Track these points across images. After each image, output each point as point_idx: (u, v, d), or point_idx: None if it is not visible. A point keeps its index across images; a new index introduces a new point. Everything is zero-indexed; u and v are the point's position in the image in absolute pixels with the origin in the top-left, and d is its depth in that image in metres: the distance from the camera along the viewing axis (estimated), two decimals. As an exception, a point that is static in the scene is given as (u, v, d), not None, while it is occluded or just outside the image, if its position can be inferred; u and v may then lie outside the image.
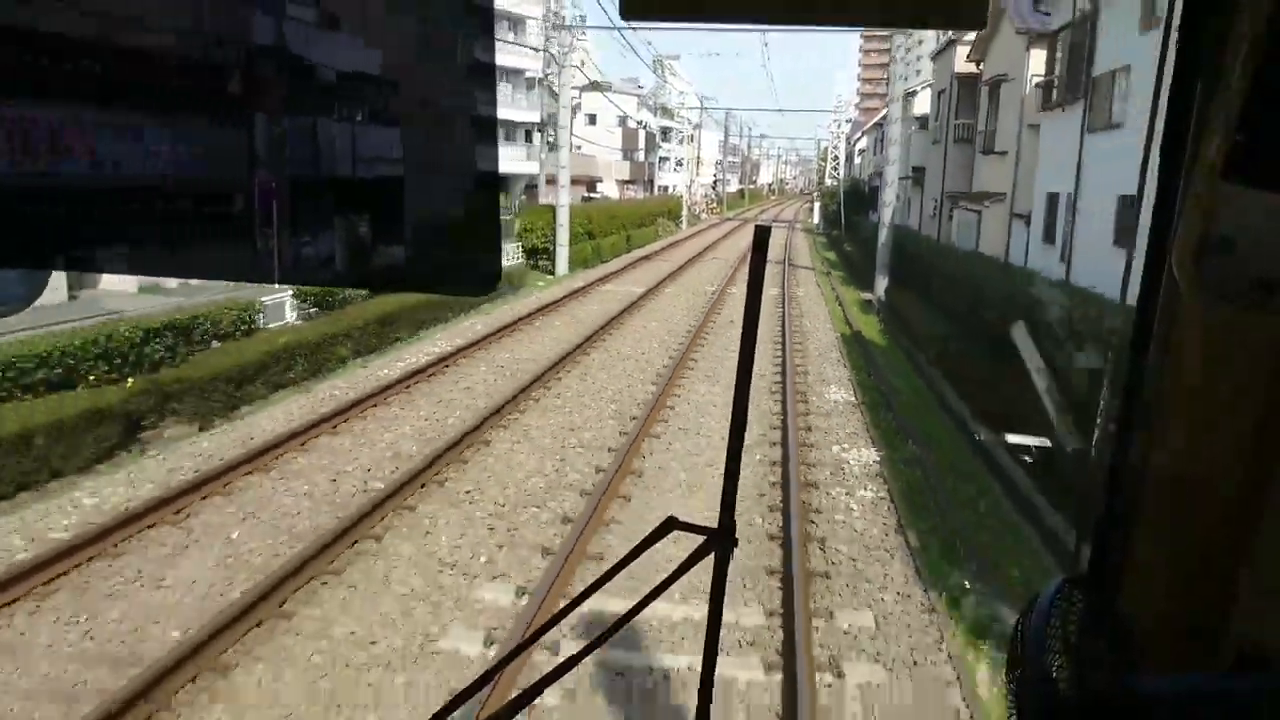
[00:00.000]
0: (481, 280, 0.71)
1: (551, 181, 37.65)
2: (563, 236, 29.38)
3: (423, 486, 8.81)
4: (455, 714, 0.82)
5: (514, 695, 0.80)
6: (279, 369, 13.13)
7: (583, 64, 40.22)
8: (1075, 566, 0.90)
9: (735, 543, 0.82)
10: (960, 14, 0.59)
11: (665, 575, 0.84)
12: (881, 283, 26.27)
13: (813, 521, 8.33)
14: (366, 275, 0.78)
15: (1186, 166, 0.67)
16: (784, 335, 17.87)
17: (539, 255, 29.89)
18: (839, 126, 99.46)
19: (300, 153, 0.60)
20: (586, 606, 0.88)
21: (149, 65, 0.47)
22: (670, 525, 0.84)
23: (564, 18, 32.28)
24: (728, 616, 6.20)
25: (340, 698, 5.31)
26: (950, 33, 28.17)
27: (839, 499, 9.06)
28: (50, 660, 5.59)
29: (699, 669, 0.87)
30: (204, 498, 8.29)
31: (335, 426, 10.78)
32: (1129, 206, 14.40)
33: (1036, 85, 20.37)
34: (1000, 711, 5.14)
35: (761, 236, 0.78)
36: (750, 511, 8.42)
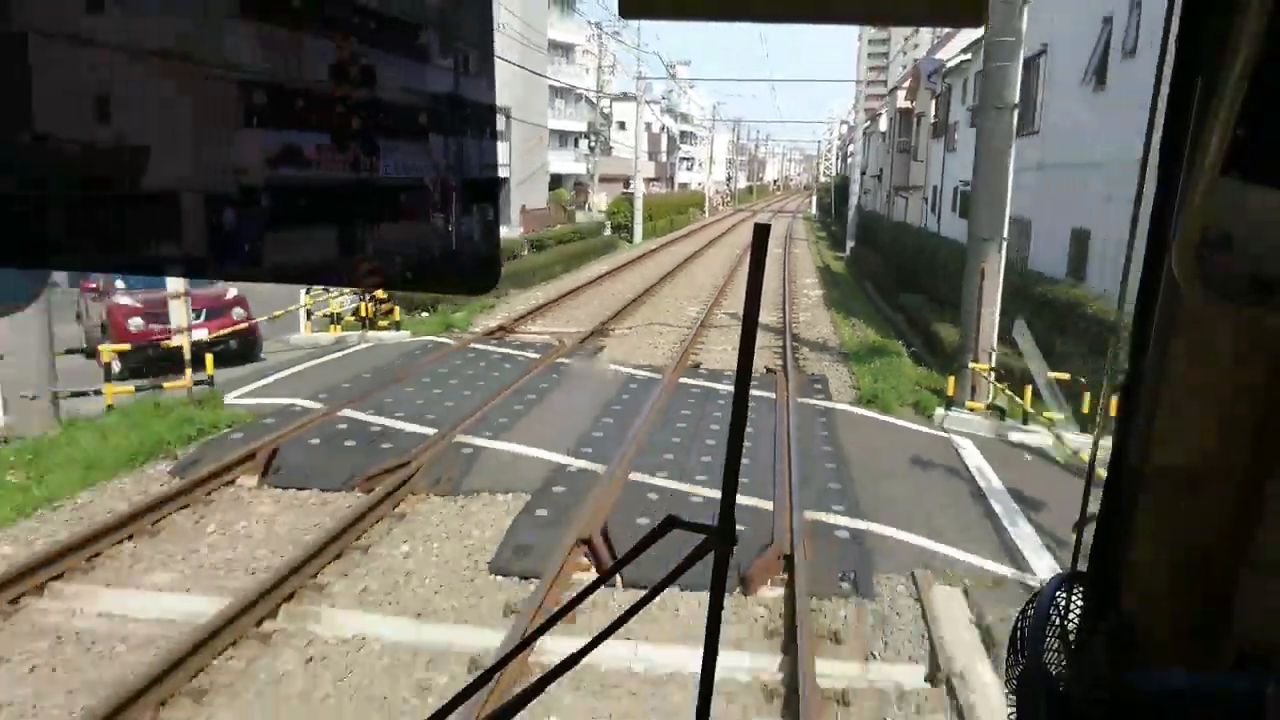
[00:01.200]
0: (481, 279, 0.73)
1: (605, 179, 52.67)
2: (639, 218, 44.21)
3: (646, 297, 23.43)
4: (455, 713, 0.80)
5: (514, 695, 0.78)
6: (551, 269, 27.95)
7: (615, 66, 52.70)
8: (1075, 564, 0.92)
9: (735, 541, 0.78)
10: (959, 12, 0.58)
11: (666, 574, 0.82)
12: (850, 244, 40.96)
13: (793, 300, 22.90)
14: (366, 273, 0.80)
15: (1186, 163, 0.67)
16: (785, 266, 32.44)
17: (620, 230, 44.68)
18: (831, 134, 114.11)
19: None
20: (587, 606, 1.50)
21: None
22: (670, 524, 0.79)
23: (642, 70, 46.76)
24: (772, 320, 20.68)
25: (660, 310, 19.89)
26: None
27: (803, 296, 24.03)
28: (588, 307, 20.19)
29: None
30: (581, 290, 22.93)
31: (593, 286, 25.43)
32: (959, 192, 28.71)
33: (931, 123, 34.68)
34: (841, 321, 19.84)
35: (761, 236, 0.69)
36: (774, 295, 22.96)
